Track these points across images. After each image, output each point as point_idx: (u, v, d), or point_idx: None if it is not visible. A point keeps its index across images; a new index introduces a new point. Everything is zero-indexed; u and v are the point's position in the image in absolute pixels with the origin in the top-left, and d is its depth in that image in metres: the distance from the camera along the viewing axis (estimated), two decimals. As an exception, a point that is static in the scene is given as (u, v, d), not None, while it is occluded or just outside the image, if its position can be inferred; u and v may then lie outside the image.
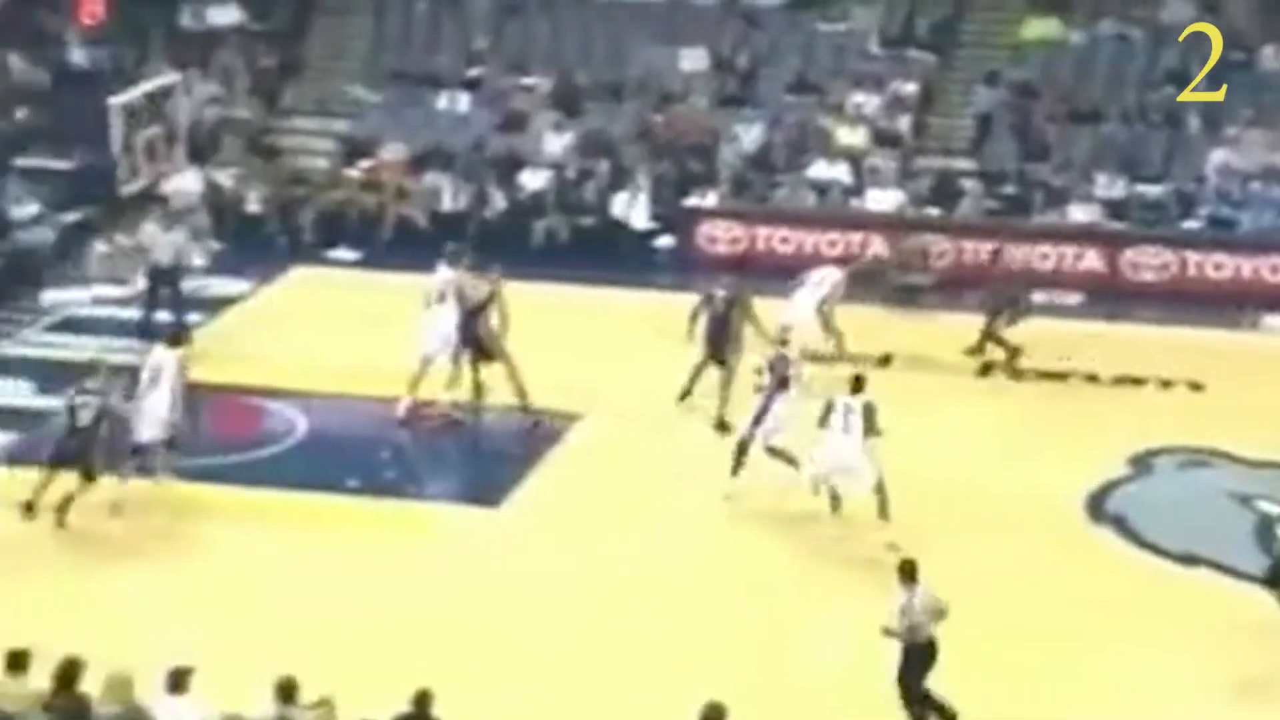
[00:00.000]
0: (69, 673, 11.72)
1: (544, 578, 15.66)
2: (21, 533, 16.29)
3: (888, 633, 13.15)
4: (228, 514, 16.72)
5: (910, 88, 26.54)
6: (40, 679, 11.80)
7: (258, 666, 12.13)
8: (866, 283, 21.80)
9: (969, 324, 21.11)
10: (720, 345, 18.95)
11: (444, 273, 19.05)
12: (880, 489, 16.27)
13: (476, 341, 18.64)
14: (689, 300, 19.57)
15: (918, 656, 13.15)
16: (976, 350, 20.90)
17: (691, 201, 25.01)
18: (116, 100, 24.54)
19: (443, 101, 27.26)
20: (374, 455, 18.07)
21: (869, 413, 16.24)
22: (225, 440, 18.55)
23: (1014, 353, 20.75)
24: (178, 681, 11.78)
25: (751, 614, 15.12)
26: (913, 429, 17.42)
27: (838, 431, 16.18)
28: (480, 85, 27.47)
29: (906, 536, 15.57)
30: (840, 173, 25.45)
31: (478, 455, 18.97)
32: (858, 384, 16.53)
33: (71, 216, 24.30)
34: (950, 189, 25.08)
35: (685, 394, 19.12)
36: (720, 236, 24.54)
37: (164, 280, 21.34)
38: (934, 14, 27.53)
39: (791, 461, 16.74)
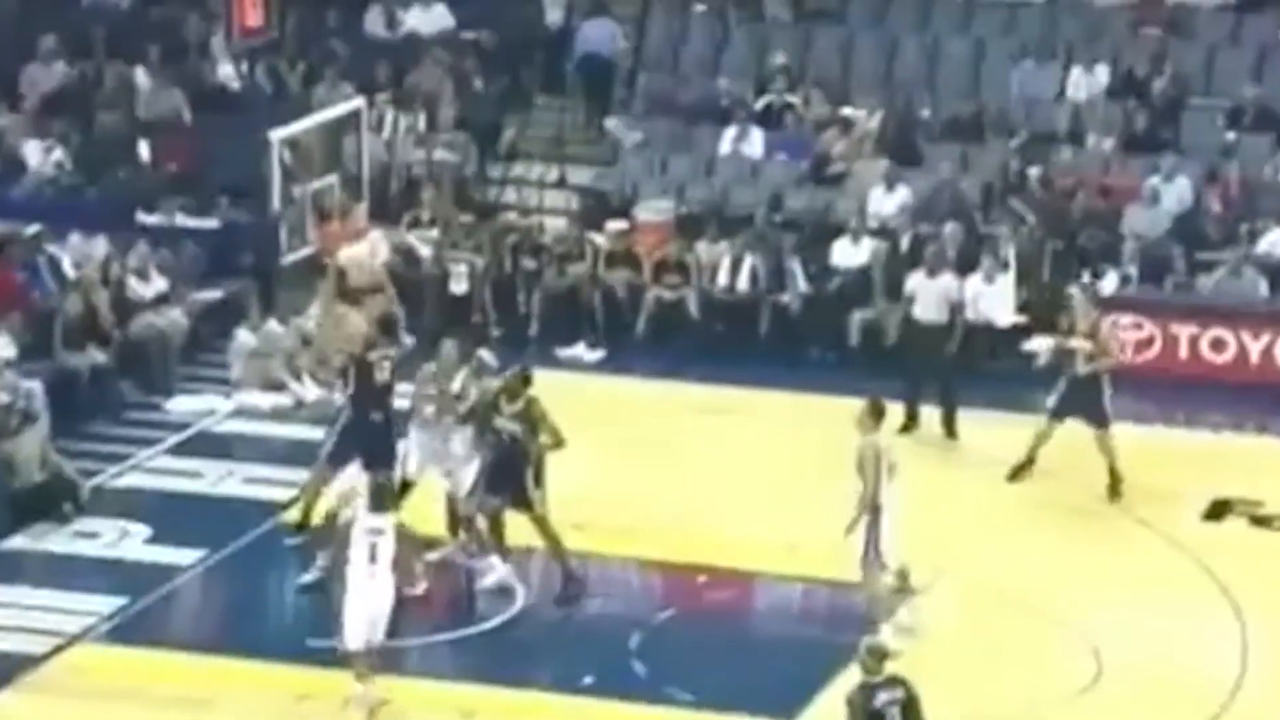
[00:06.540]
0: None
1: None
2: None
3: None
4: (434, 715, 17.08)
5: None
6: None
7: None
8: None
9: None
10: None
11: None
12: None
13: None
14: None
15: None
16: None
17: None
18: (278, 135, 24.99)
19: (726, 142, 27.53)
20: (618, 641, 18.12)
21: None
22: (424, 614, 18.82)
23: None
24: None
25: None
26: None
27: None
28: (779, 119, 27.64)
29: None
30: (1306, 249, 25.32)
31: (760, 644, 18.75)
32: None
33: (211, 295, 24.74)
34: None
35: None
36: (1122, 336, 23.96)
37: None
38: None
39: None
